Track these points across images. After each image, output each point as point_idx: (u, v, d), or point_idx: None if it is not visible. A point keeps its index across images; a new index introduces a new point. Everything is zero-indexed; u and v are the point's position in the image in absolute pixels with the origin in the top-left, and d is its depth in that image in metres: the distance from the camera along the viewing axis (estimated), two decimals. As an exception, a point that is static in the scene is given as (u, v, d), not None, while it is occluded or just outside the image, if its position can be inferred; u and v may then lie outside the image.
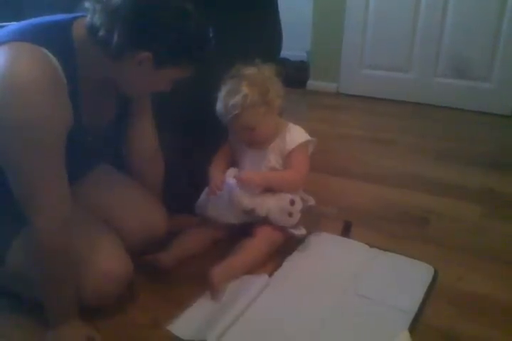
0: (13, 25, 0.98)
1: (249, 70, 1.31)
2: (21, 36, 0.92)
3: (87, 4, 0.95)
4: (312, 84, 3.24)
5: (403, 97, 2.95)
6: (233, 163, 1.47)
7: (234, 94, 1.28)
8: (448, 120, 2.70)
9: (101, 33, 0.92)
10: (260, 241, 1.34)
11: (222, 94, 1.31)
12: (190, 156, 1.50)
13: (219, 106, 1.31)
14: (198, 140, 1.51)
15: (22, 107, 0.87)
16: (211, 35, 1.03)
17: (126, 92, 1.15)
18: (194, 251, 1.37)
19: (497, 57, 2.66)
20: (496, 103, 2.73)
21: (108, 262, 1.10)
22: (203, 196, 1.43)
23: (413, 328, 1.11)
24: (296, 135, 1.39)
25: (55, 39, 0.94)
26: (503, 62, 2.65)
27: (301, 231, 1.39)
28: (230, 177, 1.38)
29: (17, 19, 1.03)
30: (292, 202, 1.34)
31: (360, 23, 2.96)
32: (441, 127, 2.59)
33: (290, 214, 1.34)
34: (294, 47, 2.53)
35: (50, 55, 0.91)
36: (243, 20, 1.42)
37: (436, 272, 1.30)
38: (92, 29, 0.94)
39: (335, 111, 2.93)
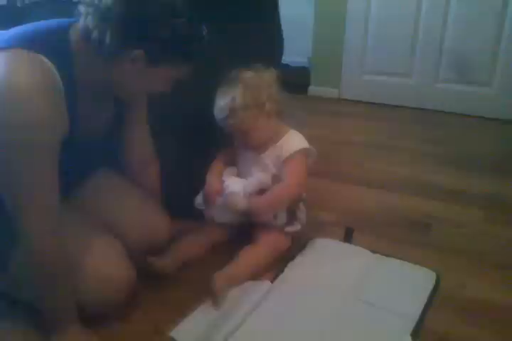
0: (11, 31, 0.98)
1: (246, 74, 1.31)
2: (19, 42, 0.93)
3: (81, 8, 0.96)
4: (313, 89, 3.25)
5: (405, 103, 2.96)
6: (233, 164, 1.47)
7: (224, 97, 1.28)
8: (450, 125, 2.70)
9: (94, 34, 0.94)
10: (264, 249, 1.34)
11: (216, 96, 1.31)
12: (189, 161, 1.50)
13: (214, 108, 1.32)
14: (197, 145, 1.51)
15: (19, 115, 0.88)
16: (204, 33, 1.03)
17: (123, 95, 1.14)
18: (193, 255, 1.37)
19: (499, 62, 2.67)
20: (497, 108, 2.73)
21: (109, 268, 1.10)
22: (199, 196, 1.43)
23: (415, 334, 1.11)
24: (293, 142, 1.37)
25: (52, 45, 0.95)
26: (505, 67, 2.66)
27: (295, 227, 1.40)
28: (228, 176, 1.39)
29: (17, 25, 1.03)
30: None
31: (361, 28, 2.97)
32: (443, 132, 2.59)
33: (275, 216, 1.36)
34: (295, 53, 2.54)
35: (47, 61, 0.92)
36: (244, 25, 1.43)
37: (438, 277, 1.30)
38: (86, 32, 0.95)
39: (336, 116, 2.93)
